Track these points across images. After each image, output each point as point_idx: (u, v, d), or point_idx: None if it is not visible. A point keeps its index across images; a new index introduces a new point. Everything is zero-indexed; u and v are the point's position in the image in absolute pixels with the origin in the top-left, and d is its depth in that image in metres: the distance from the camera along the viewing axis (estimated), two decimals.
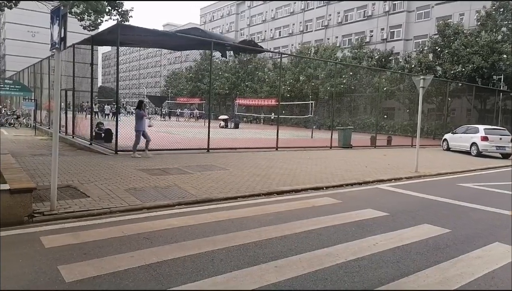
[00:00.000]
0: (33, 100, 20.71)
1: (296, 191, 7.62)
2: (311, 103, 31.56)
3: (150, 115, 11.87)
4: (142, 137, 11.11)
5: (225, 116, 34.27)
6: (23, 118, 23.63)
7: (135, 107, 11.62)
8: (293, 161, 12.02)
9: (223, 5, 73.09)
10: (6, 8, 13.99)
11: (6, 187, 4.81)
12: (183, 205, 6.16)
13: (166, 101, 53.73)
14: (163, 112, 47.68)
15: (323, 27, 51.35)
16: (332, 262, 3.98)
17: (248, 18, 66.48)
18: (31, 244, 4.14)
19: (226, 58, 23.14)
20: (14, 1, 13.22)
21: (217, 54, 17.07)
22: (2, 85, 20.88)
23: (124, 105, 53.77)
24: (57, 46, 5.46)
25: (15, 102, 30.66)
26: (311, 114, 31.61)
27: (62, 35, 5.38)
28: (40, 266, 3.58)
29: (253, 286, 3.37)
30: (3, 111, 25.91)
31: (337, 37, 48.91)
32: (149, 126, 11.46)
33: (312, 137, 23.37)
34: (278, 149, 14.97)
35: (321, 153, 14.97)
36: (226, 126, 31.39)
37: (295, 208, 6.31)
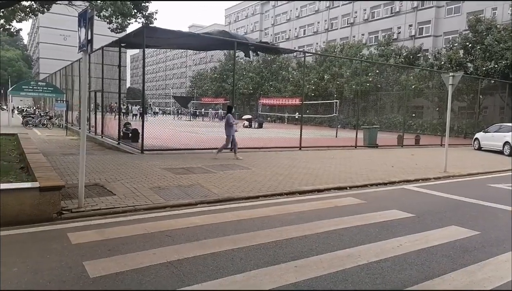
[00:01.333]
0: (64, 102, 21.53)
1: (319, 191, 7.54)
2: (336, 102, 31.13)
3: (236, 121, 12.13)
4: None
5: (249, 116, 34.38)
6: (56, 119, 24.57)
7: (225, 112, 11.76)
8: (316, 160, 11.90)
9: (247, 5, 73.27)
10: (39, 13, 14.60)
11: (36, 184, 5.02)
12: (205, 204, 6.23)
13: (192, 101, 54.48)
14: (190, 112, 48.51)
15: (349, 24, 50.52)
16: (354, 263, 3.91)
17: (272, 17, 66.37)
18: (58, 240, 4.29)
19: (250, 58, 23.24)
20: (46, 6, 13.77)
21: (241, 54, 17.14)
22: (36, 87, 21.84)
23: (151, 106, 54.97)
24: (84, 48, 5.63)
25: (48, 103, 31.91)
26: (335, 113, 31.21)
27: (89, 38, 5.54)
28: (66, 262, 3.71)
29: (272, 285, 3.35)
30: (37, 112, 27.08)
31: (363, 34, 47.98)
32: (235, 131, 11.67)
33: (336, 136, 23.06)
34: (302, 149, 14.86)
35: (346, 153, 14.74)
36: (250, 126, 31.49)
37: (317, 208, 6.24)
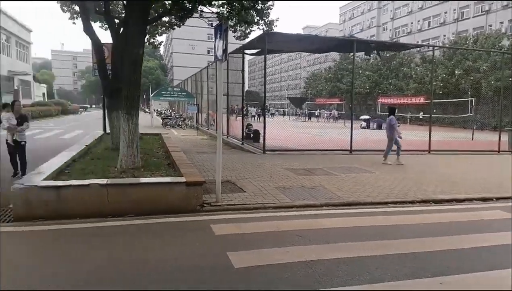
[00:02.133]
0: (195, 105, 23.92)
1: (458, 201, 6.76)
2: (471, 100, 27.58)
3: (398, 124, 11.42)
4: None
5: (367, 117, 32.97)
6: (188, 121, 27.48)
7: (387, 115, 11.37)
8: (449, 165, 10.73)
9: (363, 1, 70.28)
10: (176, 26, 16.55)
11: (182, 179, 5.68)
12: (330, 206, 6.18)
13: (306, 102, 54.81)
14: (305, 113, 49.02)
15: (484, 12, 44.22)
16: (509, 286, 3.39)
17: (391, 11, 62.30)
18: (203, 230, 4.78)
19: (370, 56, 22.24)
20: (183, 20, 15.54)
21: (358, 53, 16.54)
22: (173, 92, 24.78)
23: (268, 107, 57.23)
24: (219, 58, 6.14)
25: (181, 106, 35.85)
26: (470, 113, 27.66)
27: (224, 47, 6.02)
28: (212, 250, 4.10)
29: None
30: (173, 114, 30.71)
31: (501, 22, 41.40)
32: (399, 137, 10.92)
33: (472, 139, 20.45)
34: (431, 152, 13.57)
35: (486, 158, 12.94)
36: (367, 127, 30.15)
37: (459, 219, 5.62)
